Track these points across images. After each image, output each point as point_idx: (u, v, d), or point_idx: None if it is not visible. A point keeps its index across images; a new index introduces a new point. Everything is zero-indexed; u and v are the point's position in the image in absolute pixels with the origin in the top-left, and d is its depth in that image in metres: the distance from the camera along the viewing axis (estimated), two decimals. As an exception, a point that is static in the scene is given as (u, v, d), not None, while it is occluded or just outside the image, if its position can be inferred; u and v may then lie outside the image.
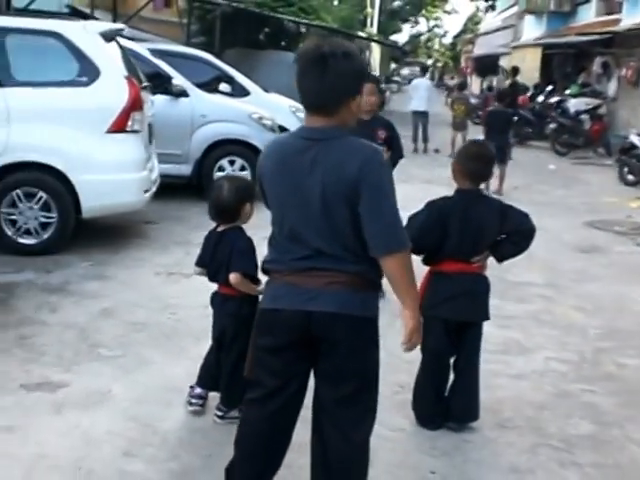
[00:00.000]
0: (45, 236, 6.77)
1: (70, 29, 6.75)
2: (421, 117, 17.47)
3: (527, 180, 14.16)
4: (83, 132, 6.65)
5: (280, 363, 2.89)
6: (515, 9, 34.24)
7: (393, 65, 50.71)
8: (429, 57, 62.53)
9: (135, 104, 6.79)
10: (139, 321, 5.39)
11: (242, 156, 9.81)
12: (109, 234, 7.84)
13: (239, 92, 11.82)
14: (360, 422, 2.95)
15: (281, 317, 2.85)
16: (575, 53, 24.22)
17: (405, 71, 55.41)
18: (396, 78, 46.19)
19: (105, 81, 6.75)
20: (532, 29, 30.89)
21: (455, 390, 4.15)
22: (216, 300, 4.06)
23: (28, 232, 6.77)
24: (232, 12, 18.71)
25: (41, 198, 6.71)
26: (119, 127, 6.75)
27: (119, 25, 8.11)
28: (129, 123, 6.77)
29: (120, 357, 4.80)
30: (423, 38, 68.42)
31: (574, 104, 19.53)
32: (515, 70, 21.90)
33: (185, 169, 9.77)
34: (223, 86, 11.62)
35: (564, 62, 25.93)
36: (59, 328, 5.21)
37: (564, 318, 6.29)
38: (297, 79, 2.80)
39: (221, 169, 9.81)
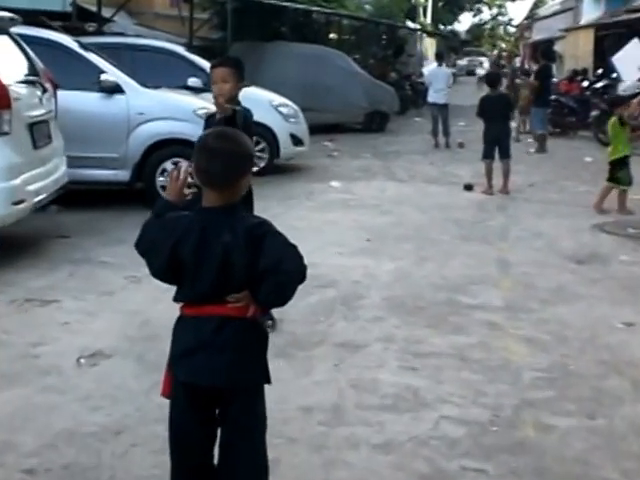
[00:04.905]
0: None
1: None
2: (440, 110, 16.02)
3: (551, 175, 12.67)
4: None
5: None
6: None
7: (453, 56, 48.87)
8: (493, 46, 60.25)
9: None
10: None
11: (188, 157, 8.61)
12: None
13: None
14: None
15: None
16: (629, 33, 22.32)
17: (463, 62, 53.21)
18: (452, 70, 44.55)
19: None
20: (591, 11, 29.11)
21: None
22: None
23: None
24: (244, 5, 17.75)
25: None
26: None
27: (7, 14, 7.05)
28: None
29: None
30: (487, 27, 66.11)
31: (625, 88, 17.76)
32: (543, 53, 20.10)
33: (123, 175, 8.64)
34: (192, 80, 10.67)
35: (617, 44, 24.00)
36: None
37: (500, 356, 4.95)
38: None
39: (164, 173, 8.65)
